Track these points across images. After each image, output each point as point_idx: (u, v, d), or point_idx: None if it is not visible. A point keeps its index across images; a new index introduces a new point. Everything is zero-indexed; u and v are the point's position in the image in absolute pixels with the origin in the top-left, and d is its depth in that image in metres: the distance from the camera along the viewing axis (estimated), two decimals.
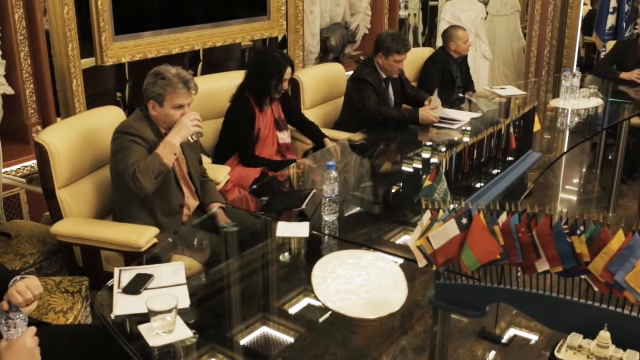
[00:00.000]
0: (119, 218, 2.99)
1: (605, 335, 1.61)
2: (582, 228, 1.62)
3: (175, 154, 2.81)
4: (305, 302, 2.18)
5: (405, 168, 3.79)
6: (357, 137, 4.03)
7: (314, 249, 2.57)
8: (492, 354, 2.06)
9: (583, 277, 1.67)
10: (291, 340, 2.02)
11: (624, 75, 5.48)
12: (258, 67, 3.82)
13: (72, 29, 3.81)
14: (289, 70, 3.80)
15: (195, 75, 5.64)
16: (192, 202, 3.08)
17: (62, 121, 3.62)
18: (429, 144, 4.13)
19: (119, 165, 2.80)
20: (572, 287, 1.69)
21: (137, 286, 2.14)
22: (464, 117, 4.34)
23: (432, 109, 4.23)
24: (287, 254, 2.57)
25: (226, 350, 2.00)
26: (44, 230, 3.19)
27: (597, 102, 4.79)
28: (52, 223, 2.90)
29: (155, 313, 1.87)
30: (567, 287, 1.69)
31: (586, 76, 5.73)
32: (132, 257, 2.63)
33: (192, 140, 2.90)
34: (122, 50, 4.13)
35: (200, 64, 6.12)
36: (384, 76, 4.38)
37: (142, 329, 1.92)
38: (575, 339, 1.65)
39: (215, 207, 2.96)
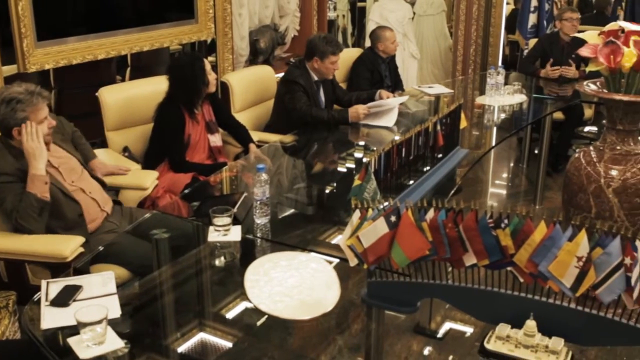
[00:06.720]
0: None
1: (531, 324, 1.66)
2: (506, 221, 1.67)
3: (46, 182, 2.69)
4: (241, 306, 2.17)
5: (337, 168, 3.81)
6: (288, 138, 4.03)
7: (247, 253, 2.56)
8: (428, 348, 2.09)
9: (509, 268, 1.72)
10: (229, 344, 2.01)
11: (542, 73, 5.64)
12: (179, 77, 3.74)
13: None
14: (205, 61, 3.79)
15: (123, 80, 5.55)
16: (103, 199, 3.00)
17: None
18: (360, 143, 4.16)
19: None
20: (500, 280, 1.74)
21: (65, 298, 2.08)
22: (392, 103, 4.35)
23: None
24: (221, 259, 2.54)
25: (162, 358, 1.97)
26: None
27: (520, 98, 4.92)
28: None
29: (84, 324, 1.82)
30: (497, 280, 1.74)
31: (510, 73, 5.88)
32: (58, 268, 2.56)
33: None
34: (45, 57, 4.01)
35: (128, 69, 6.00)
36: (316, 78, 4.40)
37: (72, 341, 1.87)
38: (503, 329, 1.70)
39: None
